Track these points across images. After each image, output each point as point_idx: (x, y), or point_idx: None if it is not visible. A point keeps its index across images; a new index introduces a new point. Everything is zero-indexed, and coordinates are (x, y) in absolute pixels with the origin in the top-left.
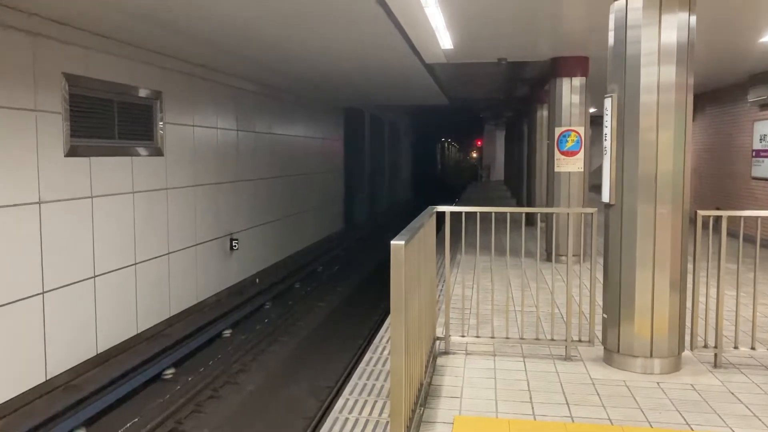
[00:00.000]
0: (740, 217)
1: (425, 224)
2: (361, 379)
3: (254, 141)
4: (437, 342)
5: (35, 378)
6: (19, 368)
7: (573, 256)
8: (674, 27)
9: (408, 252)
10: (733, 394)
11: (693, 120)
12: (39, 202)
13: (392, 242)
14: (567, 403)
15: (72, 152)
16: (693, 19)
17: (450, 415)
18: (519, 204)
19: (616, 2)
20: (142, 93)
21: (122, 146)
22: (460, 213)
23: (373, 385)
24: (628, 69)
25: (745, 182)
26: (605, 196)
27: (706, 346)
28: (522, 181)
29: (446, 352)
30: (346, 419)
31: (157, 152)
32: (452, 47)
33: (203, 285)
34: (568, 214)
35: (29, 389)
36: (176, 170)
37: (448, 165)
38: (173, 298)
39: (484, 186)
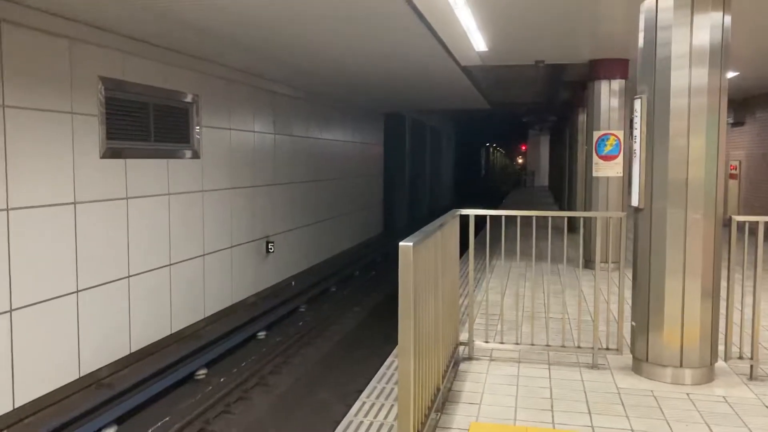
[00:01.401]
0: None
1: (443, 227)
2: (380, 382)
3: (291, 145)
4: (461, 347)
5: (69, 375)
6: (52, 365)
7: (603, 262)
8: (707, 27)
9: (418, 254)
10: (767, 407)
11: (743, 124)
12: (74, 203)
13: (401, 243)
14: (589, 413)
15: (107, 154)
16: (728, 19)
17: (467, 421)
18: (561, 209)
19: (645, 2)
20: (179, 96)
21: (158, 149)
22: (500, 217)
23: (392, 389)
24: (658, 72)
25: None
26: (634, 200)
27: (741, 357)
28: (564, 186)
29: (470, 358)
30: (361, 422)
31: (194, 155)
32: (487, 49)
33: (238, 287)
34: (596, 218)
35: (63, 386)
36: (212, 173)
37: (493, 170)
38: (208, 299)
39: (528, 191)
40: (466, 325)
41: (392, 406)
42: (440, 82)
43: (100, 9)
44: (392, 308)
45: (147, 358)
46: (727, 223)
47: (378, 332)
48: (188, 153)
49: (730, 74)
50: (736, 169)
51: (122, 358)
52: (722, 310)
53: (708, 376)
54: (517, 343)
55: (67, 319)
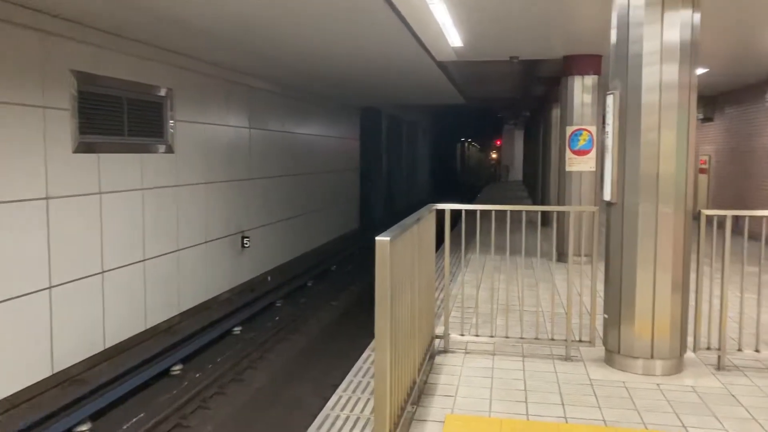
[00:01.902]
0: (746, 216)
1: (420, 221)
2: (356, 376)
3: (267, 139)
4: (437, 340)
5: (41, 371)
6: (25, 361)
7: (576, 256)
8: (677, 25)
9: (395, 248)
10: (734, 396)
11: (712, 120)
12: (46, 198)
13: (377, 238)
14: (562, 404)
15: (80, 149)
16: (697, 16)
17: (442, 413)
18: (535, 203)
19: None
20: (153, 90)
21: (132, 143)
22: (475, 211)
23: (368, 383)
24: (631, 68)
25: (763, 183)
26: (606, 194)
27: (709, 348)
28: (538, 180)
29: (445, 351)
30: (337, 416)
31: (168, 149)
32: (462, 45)
33: (213, 282)
34: (569, 212)
35: (35, 383)
36: (187, 167)
37: (468, 165)
38: (183, 295)
39: (502, 186)
40: (442, 318)
41: (369, 399)
42: (416, 77)
43: (71, 1)
44: (369, 302)
45: (121, 354)
46: (696, 216)
47: (355, 326)
48: (162, 147)
49: (700, 71)
50: (705, 163)
51: (96, 354)
52: (691, 302)
53: (677, 366)
54: (491, 336)
55: (39, 316)
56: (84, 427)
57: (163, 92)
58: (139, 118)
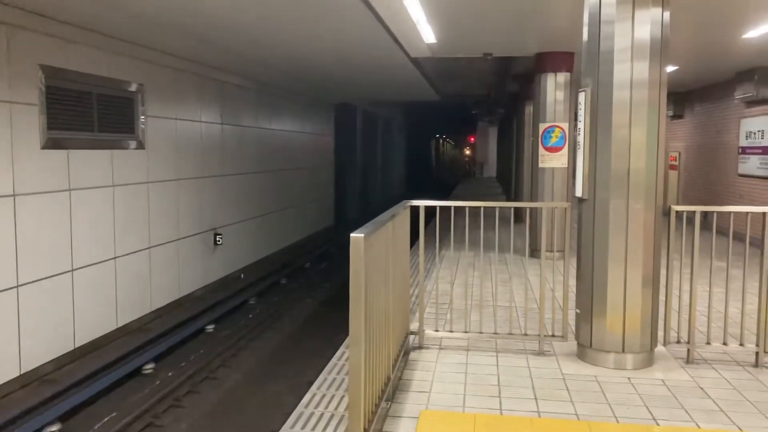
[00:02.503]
0: (714, 212)
1: (394, 218)
2: (331, 373)
3: (240, 135)
4: (411, 337)
5: (9, 372)
6: None
7: (549, 251)
8: (647, 23)
9: (369, 245)
10: (702, 389)
11: (682, 117)
12: (14, 195)
13: (352, 235)
14: (535, 398)
15: (49, 145)
16: (667, 15)
17: (417, 409)
18: (509, 200)
19: None
20: (123, 86)
21: (102, 139)
22: (449, 207)
23: (343, 380)
24: (602, 65)
25: (732, 179)
26: (578, 191)
27: (679, 342)
28: (511, 176)
29: (420, 347)
30: (312, 414)
31: (139, 145)
32: (436, 41)
33: (186, 280)
34: (542, 208)
35: (2, 383)
36: (158, 164)
37: (443, 161)
38: (155, 293)
39: (476, 182)
40: (417, 314)
41: (343, 396)
42: (390, 73)
43: None
44: (343, 299)
45: (92, 353)
46: (666, 212)
47: (329, 323)
48: (133, 143)
49: (670, 68)
50: (675, 160)
51: (66, 353)
52: (661, 297)
53: (648, 360)
54: (466, 332)
55: (7, 316)
56: (54, 428)
57: (134, 87)
58: (110, 114)
